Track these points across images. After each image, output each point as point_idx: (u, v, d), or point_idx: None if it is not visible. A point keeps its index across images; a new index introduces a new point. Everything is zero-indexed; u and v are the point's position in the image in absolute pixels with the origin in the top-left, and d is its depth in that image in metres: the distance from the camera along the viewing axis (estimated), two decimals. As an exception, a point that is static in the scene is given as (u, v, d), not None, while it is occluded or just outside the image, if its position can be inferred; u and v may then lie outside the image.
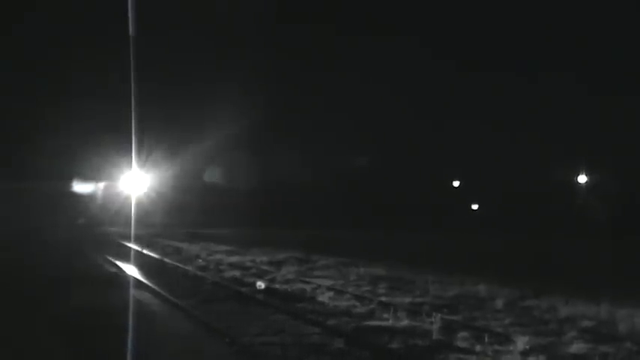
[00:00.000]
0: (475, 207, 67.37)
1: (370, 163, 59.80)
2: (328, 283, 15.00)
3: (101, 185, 47.78)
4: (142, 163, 39.16)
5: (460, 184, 67.83)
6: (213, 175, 49.03)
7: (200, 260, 21.55)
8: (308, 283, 15.03)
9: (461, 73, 73.69)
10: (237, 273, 17.39)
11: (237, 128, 48.60)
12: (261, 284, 14.61)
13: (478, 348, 8.49)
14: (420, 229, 38.89)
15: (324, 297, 12.92)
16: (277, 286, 14.64)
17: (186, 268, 18.55)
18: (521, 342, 8.57)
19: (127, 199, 39.23)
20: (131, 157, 35.37)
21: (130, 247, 25.67)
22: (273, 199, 50.11)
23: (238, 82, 50.60)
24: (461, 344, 8.71)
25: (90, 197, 47.74)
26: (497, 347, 8.51)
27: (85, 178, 47.12)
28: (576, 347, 8.52)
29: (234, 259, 21.89)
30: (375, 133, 61.20)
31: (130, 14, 26.29)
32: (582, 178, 59.60)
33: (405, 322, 10.12)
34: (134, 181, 40.81)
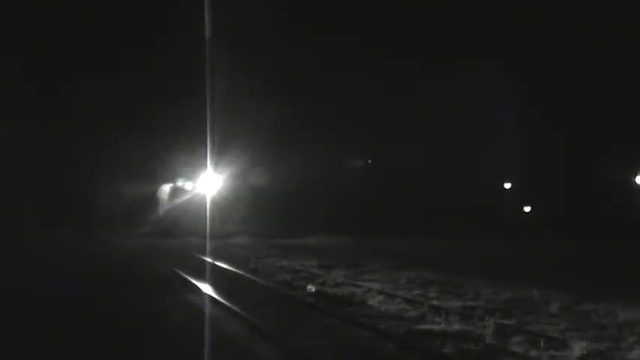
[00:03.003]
0: (527, 209, 65.83)
1: (412, 165, 58.66)
2: (378, 286, 14.97)
3: (172, 188, 47.06)
4: (216, 165, 39.08)
5: (511, 185, 66.40)
6: (261, 177, 48.40)
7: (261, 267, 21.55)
8: (358, 286, 15.04)
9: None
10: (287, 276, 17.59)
11: (306, 125, 48.23)
12: (311, 288, 14.75)
13: (533, 353, 8.35)
14: (467, 233, 38.20)
15: (375, 300, 12.92)
16: (327, 289, 14.72)
17: (239, 271, 18.85)
18: (578, 347, 8.37)
19: (202, 200, 38.57)
20: (205, 158, 35.55)
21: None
22: (318, 201, 49.51)
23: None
24: (515, 349, 8.57)
25: (161, 202, 46.89)
26: (553, 352, 8.35)
27: (158, 180, 46.64)
28: (636, 353, 8.28)
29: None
30: (418, 133, 59.65)
31: (206, 17, 27.02)
32: (640, 179, 57.44)
33: (457, 326, 10.03)
34: (209, 184, 40.44)
